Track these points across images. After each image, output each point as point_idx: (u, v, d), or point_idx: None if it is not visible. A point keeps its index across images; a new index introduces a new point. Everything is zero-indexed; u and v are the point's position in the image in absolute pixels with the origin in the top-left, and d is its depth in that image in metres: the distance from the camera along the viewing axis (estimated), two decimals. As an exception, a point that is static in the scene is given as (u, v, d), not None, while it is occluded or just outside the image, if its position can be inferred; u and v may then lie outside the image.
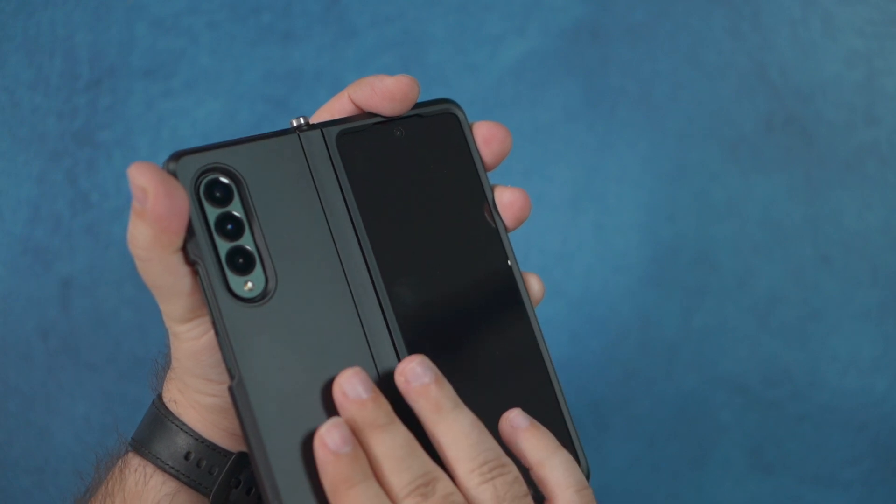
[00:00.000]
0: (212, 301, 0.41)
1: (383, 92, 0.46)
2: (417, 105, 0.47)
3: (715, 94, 0.81)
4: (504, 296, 0.47)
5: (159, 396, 0.48)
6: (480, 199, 0.48)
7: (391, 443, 0.41)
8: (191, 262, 0.42)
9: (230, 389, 0.41)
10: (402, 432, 0.41)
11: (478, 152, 0.48)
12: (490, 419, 0.44)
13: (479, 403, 0.44)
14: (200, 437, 0.46)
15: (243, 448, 0.47)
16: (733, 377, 0.80)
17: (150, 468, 0.47)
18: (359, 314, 0.44)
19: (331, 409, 0.42)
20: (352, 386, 0.41)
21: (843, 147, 0.80)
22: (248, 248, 0.43)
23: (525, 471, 0.43)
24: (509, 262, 0.47)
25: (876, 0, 0.79)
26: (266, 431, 0.41)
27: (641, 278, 0.80)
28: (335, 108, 0.47)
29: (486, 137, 0.48)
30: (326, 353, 0.43)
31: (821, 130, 0.80)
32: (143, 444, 0.47)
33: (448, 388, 0.42)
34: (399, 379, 0.42)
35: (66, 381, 0.78)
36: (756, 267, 0.80)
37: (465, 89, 0.80)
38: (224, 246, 0.42)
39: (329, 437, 0.40)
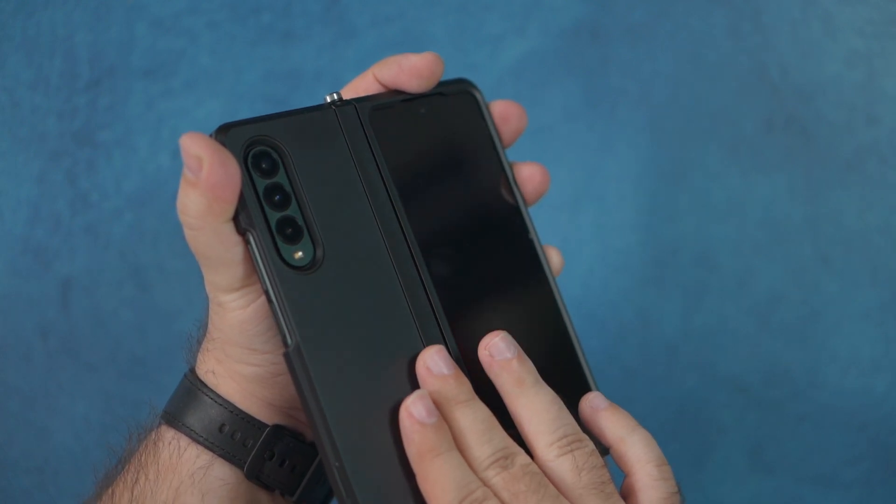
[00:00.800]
0: (266, 269, 0.42)
1: (410, 69, 0.47)
2: (439, 84, 0.49)
3: (715, 94, 0.81)
4: (528, 267, 0.49)
5: (192, 370, 0.48)
6: (500, 174, 0.50)
7: (473, 417, 0.42)
8: (241, 232, 0.43)
9: (286, 356, 0.42)
10: (482, 408, 0.43)
11: (496, 129, 0.50)
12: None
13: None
14: (235, 408, 0.47)
15: (279, 420, 0.48)
16: (733, 377, 0.80)
17: (184, 441, 0.47)
18: (400, 281, 0.45)
19: (384, 373, 0.43)
20: (434, 362, 0.43)
21: (843, 147, 0.80)
22: (295, 217, 0.44)
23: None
24: (531, 235, 0.50)
25: (876, 0, 0.79)
26: (324, 393, 0.42)
27: (641, 278, 0.80)
28: (360, 87, 0.48)
29: (504, 115, 0.50)
30: (374, 319, 0.44)
31: (821, 130, 0.80)
32: (175, 417, 0.47)
33: (529, 364, 0.44)
34: (483, 353, 0.44)
35: (65, 381, 0.78)
36: (756, 267, 0.80)
37: (465, 89, 0.80)
38: (273, 216, 0.43)
39: (415, 408, 0.42)
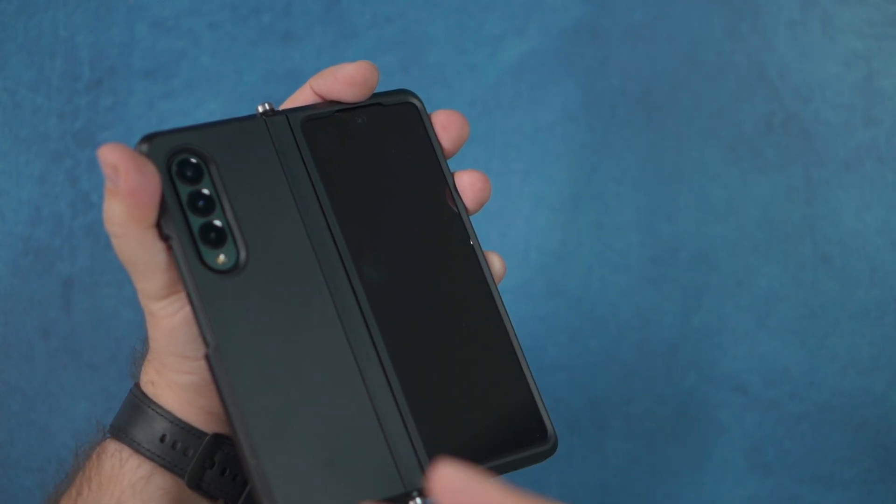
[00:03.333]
0: (185, 272, 0.43)
1: (345, 78, 0.48)
2: (378, 95, 0.49)
3: (714, 94, 0.81)
4: (467, 272, 0.49)
5: (136, 384, 0.49)
6: (441, 183, 0.49)
7: None
8: (165, 238, 0.44)
9: (206, 357, 0.43)
10: None
11: (437, 139, 0.50)
12: (456, 390, 0.46)
13: (444, 375, 0.46)
14: (176, 419, 0.47)
15: (219, 428, 0.48)
16: (732, 376, 0.81)
17: (126, 451, 0.48)
18: (329, 287, 0.45)
19: (306, 375, 0.43)
20: None
21: (842, 147, 0.80)
22: (219, 223, 0.44)
23: None
24: (471, 242, 0.49)
25: (875, 1, 0.79)
26: (242, 394, 0.42)
27: (641, 278, 0.81)
28: (298, 100, 0.49)
29: (445, 124, 0.50)
30: (299, 323, 0.44)
31: (820, 131, 0.80)
32: (120, 430, 0.48)
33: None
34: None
35: (67, 381, 0.78)
36: (755, 267, 0.80)
37: (465, 90, 0.80)
38: (196, 221, 0.44)
39: None
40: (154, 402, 0.47)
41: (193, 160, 0.45)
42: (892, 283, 0.80)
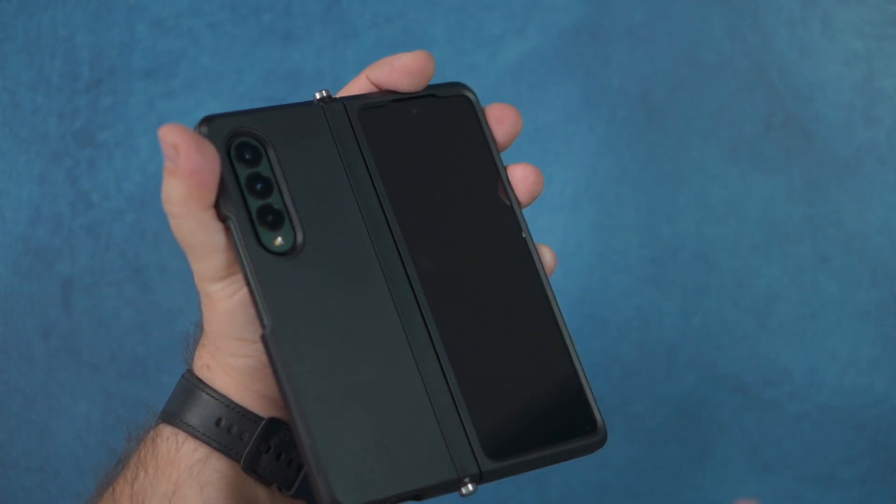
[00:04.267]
0: (243, 253, 0.43)
1: (402, 68, 0.48)
2: (432, 87, 0.49)
3: (714, 94, 0.81)
4: (519, 264, 0.49)
5: (189, 370, 0.49)
6: (494, 175, 0.49)
7: None
8: (223, 219, 0.44)
9: (262, 338, 0.43)
10: None
11: (490, 132, 0.50)
12: (508, 379, 0.46)
13: (496, 364, 0.47)
14: (231, 402, 0.47)
15: (275, 413, 0.48)
16: (732, 377, 0.81)
17: (181, 436, 0.47)
18: (384, 273, 0.45)
19: (360, 357, 0.44)
20: None
21: (842, 147, 0.80)
22: (276, 206, 0.44)
23: None
24: (523, 235, 0.49)
25: (875, 1, 0.79)
26: (299, 375, 0.42)
27: (641, 278, 0.81)
28: (354, 90, 0.49)
29: (499, 117, 0.50)
30: (354, 307, 0.44)
31: (820, 131, 0.80)
32: (173, 416, 0.48)
33: None
34: None
35: (67, 381, 0.78)
36: (755, 267, 0.80)
37: (466, 90, 0.80)
38: (254, 203, 0.44)
39: None
40: (209, 387, 0.47)
41: (252, 143, 0.45)
42: (892, 284, 0.80)
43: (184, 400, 0.48)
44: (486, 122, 0.50)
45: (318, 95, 0.47)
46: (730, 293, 0.80)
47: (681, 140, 0.81)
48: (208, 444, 0.47)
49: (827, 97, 0.80)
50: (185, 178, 0.42)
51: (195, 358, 0.49)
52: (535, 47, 0.81)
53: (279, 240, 0.44)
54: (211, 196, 0.43)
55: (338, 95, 0.49)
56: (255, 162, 0.45)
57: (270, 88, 0.79)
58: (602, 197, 0.81)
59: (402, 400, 0.44)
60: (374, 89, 0.49)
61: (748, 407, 0.80)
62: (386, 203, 0.46)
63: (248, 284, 0.43)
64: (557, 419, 0.47)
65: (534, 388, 0.47)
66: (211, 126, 0.44)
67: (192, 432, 0.47)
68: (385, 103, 0.48)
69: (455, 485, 0.44)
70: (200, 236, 0.44)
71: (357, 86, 0.49)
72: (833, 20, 0.79)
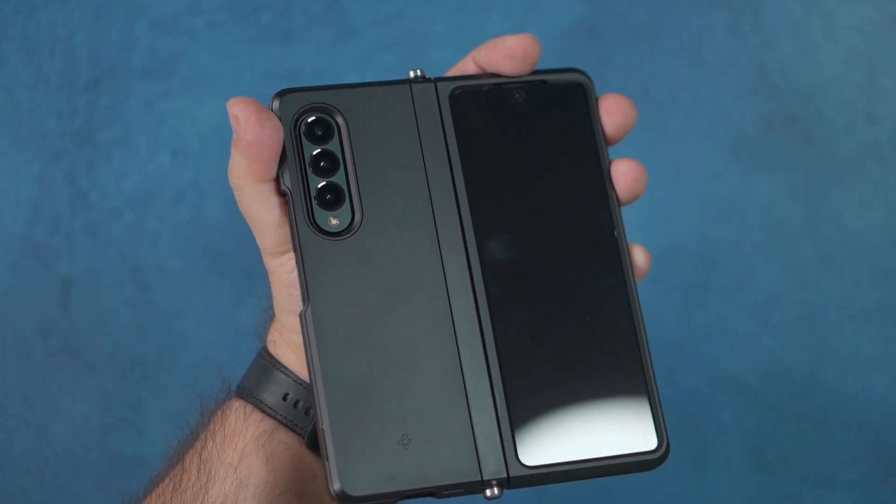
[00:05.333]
0: (293, 230, 0.43)
1: (505, 50, 0.46)
2: (546, 71, 0.47)
3: (715, 93, 0.80)
4: (603, 264, 0.46)
5: (263, 346, 0.49)
6: (596, 169, 0.47)
7: None
8: (283, 193, 0.43)
9: (300, 316, 0.43)
10: None
11: (600, 123, 0.47)
12: (563, 384, 0.44)
13: (552, 367, 0.44)
14: (298, 378, 0.47)
15: None
16: (733, 377, 0.80)
17: (249, 408, 0.48)
18: (443, 263, 0.44)
19: (393, 349, 0.42)
20: None
21: (843, 147, 0.80)
22: (338, 184, 0.44)
23: None
24: (615, 233, 0.47)
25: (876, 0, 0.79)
26: (325, 358, 0.42)
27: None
28: (460, 70, 0.48)
29: (611, 109, 0.48)
30: (401, 295, 0.43)
31: (821, 130, 0.80)
32: (247, 392, 0.48)
33: None
34: None
35: (65, 381, 0.78)
36: (756, 267, 0.80)
37: (465, 89, 0.80)
38: (316, 180, 0.44)
39: None
40: (278, 361, 0.47)
41: (325, 118, 0.44)
42: (893, 284, 0.80)
43: (257, 376, 0.48)
44: (598, 113, 0.47)
45: (411, 74, 0.46)
46: (730, 293, 0.80)
47: (681, 139, 0.80)
48: (274, 417, 0.47)
49: (828, 96, 0.79)
50: (244, 150, 0.42)
51: (268, 333, 0.49)
52: (536, 47, 0.81)
53: (335, 220, 0.44)
54: (270, 170, 0.43)
55: (446, 75, 0.47)
56: (325, 139, 0.44)
57: (270, 88, 0.79)
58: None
59: (437, 391, 0.43)
60: (479, 71, 0.47)
61: (749, 407, 0.80)
62: (461, 190, 0.45)
63: (297, 261, 0.43)
64: (610, 429, 0.45)
65: (590, 393, 0.44)
66: (283, 100, 0.44)
67: (260, 405, 0.48)
68: (483, 87, 0.46)
69: (477, 486, 0.42)
70: (258, 209, 0.44)
71: (464, 66, 0.48)
72: (834, 19, 0.79)
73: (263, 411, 0.47)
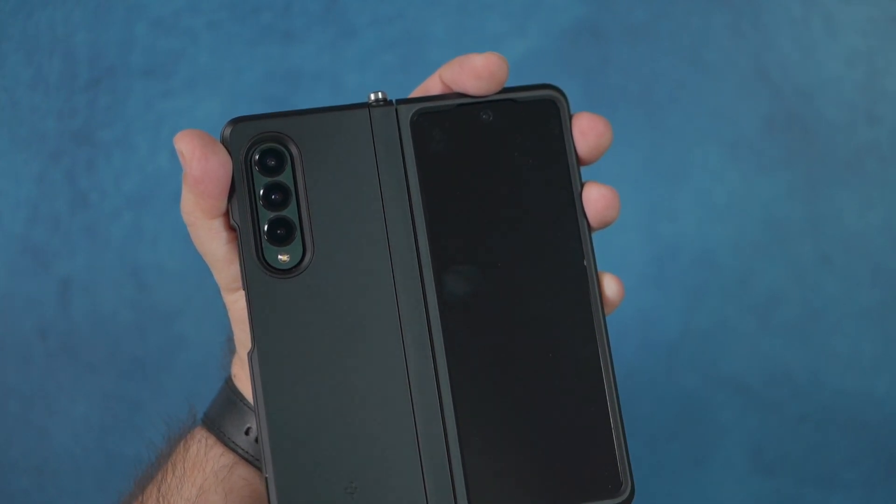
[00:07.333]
0: (242, 268, 0.41)
1: (470, 70, 0.43)
2: (517, 89, 0.44)
3: (715, 93, 0.80)
4: (570, 295, 0.44)
5: (229, 376, 0.48)
6: (566, 193, 0.44)
7: None
8: (232, 227, 0.42)
9: (248, 356, 0.41)
10: None
11: (573, 145, 0.45)
12: (521, 427, 0.42)
13: (509, 408, 0.42)
14: None
15: None
16: (734, 377, 0.80)
17: (211, 440, 0.47)
18: (397, 301, 0.42)
19: (343, 393, 0.41)
20: None
21: (843, 146, 0.80)
22: (290, 218, 0.42)
23: None
24: (584, 262, 0.44)
25: (876, -1, 0.79)
26: (271, 402, 0.40)
27: (641, 278, 0.80)
28: (429, 88, 0.45)
29: (584, 129, 0.45)
30: (352, 338, 0.41)
31: (821, 130, 0.80)
32: (212, 421, 0.47)
33: None
34: None
35: (65, 382, 0.78)
36: (756, 267, 0.80)
37: (465, 89, 0.80)
38: (266, 215, 0.41)
39: None
40: (241, 394, 0.47)
41: (278, 148, 0.42)
42: (893, 283, 0.79)
43: (222, 406, 0.48)
44: (570, 133, 0.45)
45: (372, 97, 0.43)
46: (731, 293, 0.80)
47: (681, 139, 0.80)
48: (234, 451, 0.47)
49: (828, 96, 0.79)
50: (192, 187, 0.41)
51: (231, 365, 0.48)
52: (536, 47, 0.81)
53: (284, 256, 0.41)
54: (219, 205, 0.41)
55: (414, 93, 0.45)
56: (277, 170, 0.42)
57: (270, 88, 0.79)
58: (602, 197, 0.80)
59: (386, 438, 0.41)
60: (447, 89, 0.45)
61: (749, 407, 0.80)
62: (419, 221, 0.42)
63: (246, 300, 0.41)
64: (571, 474, 0.42)
65: (550, 437, 0.42)
66: (234, 130, 0.42)
67: (222, 438, 0.47)
68: (447, 108, 0.43)
69: None
70: (210, 246, 0.42)
71: (432, 83, 0.45)
72: (834, 18, 0.79)
73: (225, 444, 0.47)
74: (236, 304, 0.44)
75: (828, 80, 0.79)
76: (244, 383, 0.47)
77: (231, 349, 0.49)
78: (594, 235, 0.45)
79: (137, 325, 0.78)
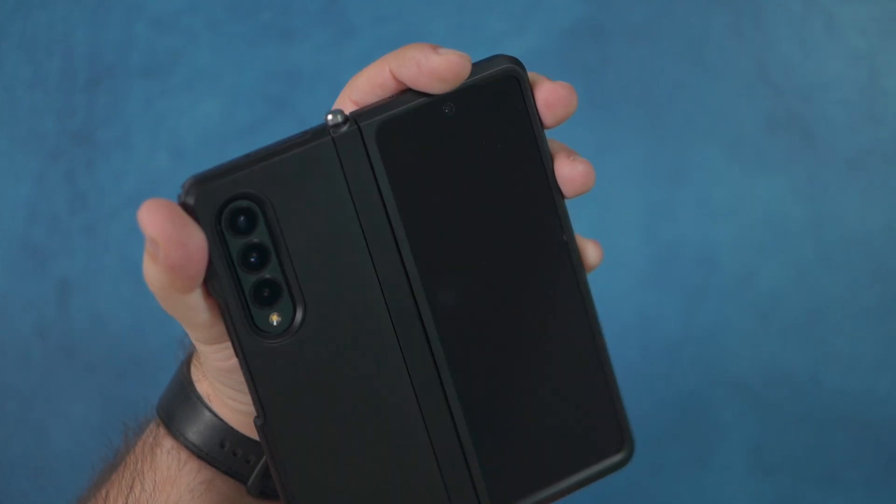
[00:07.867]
0: (235, 342, 0.39)
1: (431, 72, 0.40)
2: (474, 70, 0.42)
3: (716, 93, 0.80)
4: (556, 277, 0.44)
5: (187, 366, 0.46)
6: (538, 173, 0.43)
7: None
8: (213, 296, 0.39)
9: (258, 427, 0.40)
10: None
11: (539, 120, 0.43)
12: (536, 408, 0.43)
13: (526, 394, 0.43)
14: (231, 427, 0.45)
15: None
16: (734, 377, 0.80)
17: (184, 454, 0.45)
18: (398, 336, 0.41)
19: (361, 450, 0.41)
20: None
21: (844, 146, 0.80)
22: (274, 278, 0.40)
23: None
24: (564, 237, 0.44)
25: (877, -1, 0.79)
26: (293, 470, 0.40)
27: (641, 278, 0.80)
28: (376, 80, 0.42)
29: (549, 101, 0.43)
30: (360, 389, 0.40)
31: (822, 130, 0.80)
32: (173, 424, 0.46)
33: None
34: None
35: (64, 382, 0.78)
36: (757, 267, 0.80)
37: (465, 89, 0.80)
38: (248, 279, 0.39)
39: None
40: (211, 407, 0.45)
41: (247, 206, 0.39)
42: (894, 283, 0.79)
43: (182, 405, 0.46)
44: (535, 107, 0.43)
45: (329, 118, 0.40)
46: (731, 293, 0.80)
47: (682, 139, 0.80)
48: (213, 465, 0.45)
49: (829, 96, 0.79)
50: (166, 272, 0.37)
51: (192, 370, 0.46)
52: (536, 46, 0.81)
53: (275, 317, 0.39)
54: (195, 283, 0.38)
55: (358, 83, 0.43)
56: (250, 229, 0.39)
57: (269, 87, 0.79)
58: (602, 197, 0.80)
59: (409, 495, 0.41)
60: (396, 83, 0.42)
61: (750, 408, 0.80)
62: (403, 245, 0.41)
63: (243, 370, 0.39)
64: (579, 444, 0.44)
65: (556, 415, 0.43)
66: (199, 197, 0.38)
67: (197, 452, 0.45)
68: (409, 112, 0.41)
69: None
70: (185, 313, 0.39)
71: (380, 77, 0.42)
72: (835, 18, 0.79)
73: (201, 458, 0.45)
74: (215, 355, 0.42)
75: (829, 79, 0.79)
76: (217, 406, 0.45)
77: (188, 344, 0.47)
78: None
79: (136, 324, 0.78)
